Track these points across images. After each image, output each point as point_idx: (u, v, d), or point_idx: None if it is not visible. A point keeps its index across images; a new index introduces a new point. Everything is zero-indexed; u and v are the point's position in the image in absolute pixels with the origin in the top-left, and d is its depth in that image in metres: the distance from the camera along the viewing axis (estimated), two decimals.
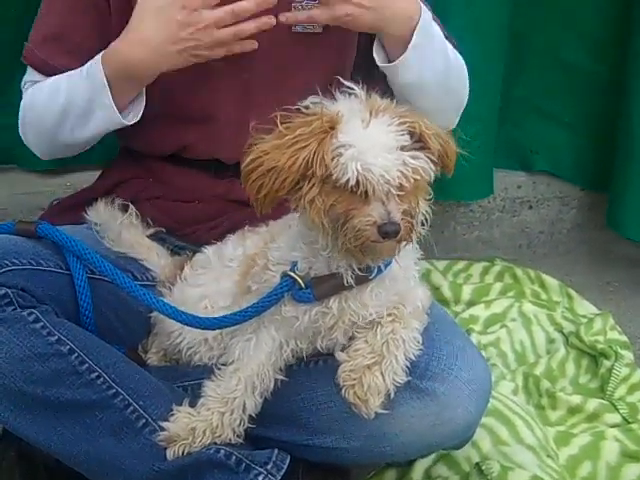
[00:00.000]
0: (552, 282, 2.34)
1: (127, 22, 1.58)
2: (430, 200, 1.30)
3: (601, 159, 2.48)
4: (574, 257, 2.59)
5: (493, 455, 1.68)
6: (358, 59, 1.74)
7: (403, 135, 1.24)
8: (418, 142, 1.25)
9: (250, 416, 1.43)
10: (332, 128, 1.24)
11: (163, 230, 1.71)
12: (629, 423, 1.85)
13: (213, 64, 1.59)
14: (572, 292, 2.32)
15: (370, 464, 1.66)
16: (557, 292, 2.32)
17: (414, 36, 1.59)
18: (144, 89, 1.61)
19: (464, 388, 1.42)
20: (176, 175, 1.73)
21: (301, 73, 1.65)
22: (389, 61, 1.63)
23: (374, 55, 1.64)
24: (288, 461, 1.46)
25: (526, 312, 2.18)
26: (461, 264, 2.43)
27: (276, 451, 1.46)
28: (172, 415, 1.43)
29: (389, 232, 1.23)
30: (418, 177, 1.24)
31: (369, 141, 1.23)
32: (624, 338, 2.13)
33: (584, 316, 2.22)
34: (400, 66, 1.61)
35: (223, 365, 1.44)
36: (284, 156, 1.24)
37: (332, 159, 1.23)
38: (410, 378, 1.38)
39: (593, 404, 1.89)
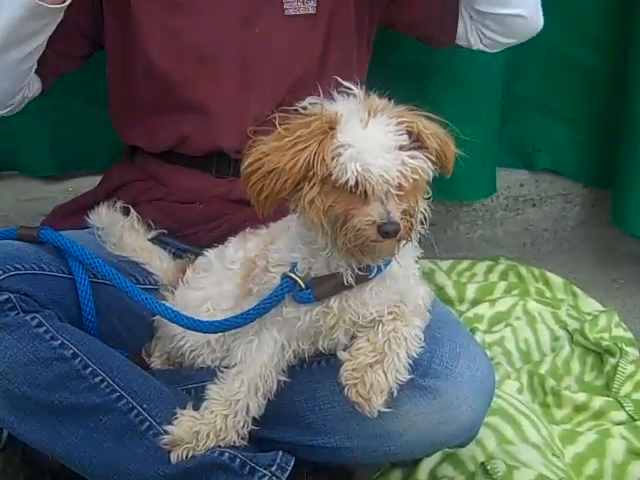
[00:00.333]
0: (556, 280, 2.33)
1: None
2: (429, 199, 1.30)
3: (604, 156, 2.47)
4: (578, 255, 2.59)
5: (498, 454, 1.68)
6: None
7: (401, 135, 1.24)
8: (416, 142, 1.26)
9: (254, 418, 1.43)
10: (331, 128, 1.24)
11: (165, 232, 1.71)
12: (635, 420, 1.84)
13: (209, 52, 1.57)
14: (577, 290, 2.32)
15: (375, 464, 1.66)
16: (562, 290, 2.32)
17: None
18: None
19: (467, 386, 1.42)
20: (177, 176, 1.74)
21: (297, 56, 1.66)
22: None
23: None
24: (293, 463, 1.46)
25: (531, 310, 2.18)
26: (465, 263, 2.42)
27: (280, 453, 1.46)
28: (176, 418, 1.43)
29: (389, 231, 1.23)
30: (417, 177, 1.24)
31: (368, 141, 1.23)
32: (629, 335, 2.12)
33: (589, 314, 2.21)
34: None
35: (226, 367, 1.45)
36: (284, 157, 1.24)
37: (332, 159, 1.23)
38: (413, 376, 1.38)
39: (599, 402, 1.88)
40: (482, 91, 2.31)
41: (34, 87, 1.73)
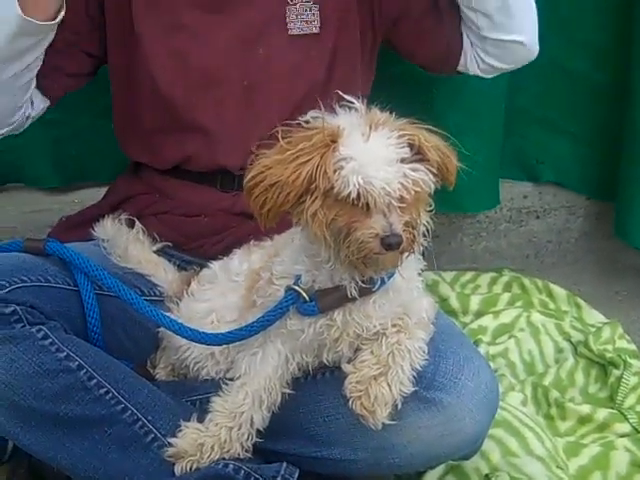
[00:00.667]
0: (560, 292, 2.33)
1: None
2: (431, 211, 1.31)
3: (607, 168, 2.47)
4: (582, 266, 2.59)
5: (503, 466, 1.67)
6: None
7: (403, 147, 1.24)
8: (418, 154, 1.26)
9: (258, 430, 1.43)
10: (333, 142, 1.25)
11: (169, 245, 1.72)
12: (639, 432, 1.84)
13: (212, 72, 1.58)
14: (580, 301, 2.32)
15: (379, 476, 1.66)
16: (565, 302, 2.32)
17: None
18: None
19: (471, 398, 1.42)
20: (182, 190, 1.75)
21: (302, 75, 1.66)
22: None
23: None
24: (297, 474, 1.46)
25: (534, 322, 2.18)
26: (469, 275, 2.42)
27: (284, 464, 1.46)
28: (180, 431, 1.44)
29: (392, 244, 1.23)
30: (419, 189, 1.25)
31: (370, 154, 1.23)
32: (633, 347, 2.12)
33: (593, 325, 2.21)
34: None
35: (230, 380, 1.45)
36: (287, 170, 1.24)
37: (334, 172, 1.24)
38: (417, 388, 1.38)
39: (602, 414, 1.88)
40: (485, 104, 2.32)
41: (38, 106, 1.74)
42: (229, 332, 1.44)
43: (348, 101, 1.29)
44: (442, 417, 1.42)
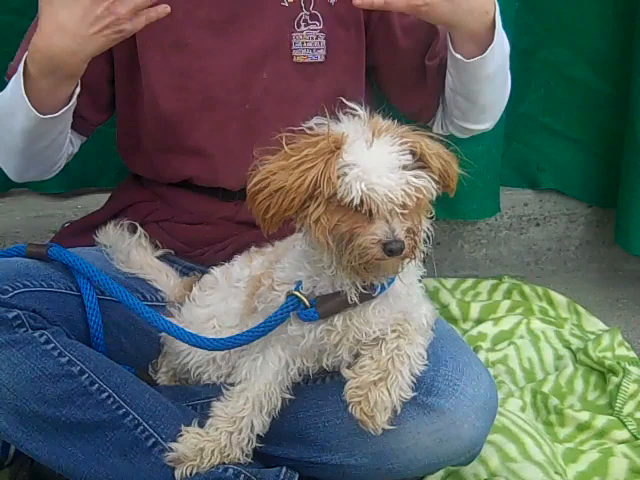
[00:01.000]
0: (560, 299, 2.34)
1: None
2: (432, 218, 1.32)
3: (608, 176, 2.49)
4: (582, 274, 2.59)
5: (501, 472, 1.68)
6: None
7: (405, 155, 1.26)
8: (419, 161, 1.27)
9: (258, 435, 1.44)
10: (337, 148, 1.26)
11: (171, 252, 1.72)
12: (637, 439, 1.84)
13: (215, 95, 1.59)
14: (580, 309, 2.32)
15: None
16: (565, 309, 2.32)
17: (497, 24, 1.56)
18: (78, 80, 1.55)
19: (470, 404, 1.42)
20: (184, 199, 1.75)
21: (304, 103, 1.63)
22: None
23: (455, 54, 1.60)
24: (296, 479, 1.47)
25: (534, 329, 2.19)
26: (469, 282, 2.43)
27: (284, 469, 1.47)
28: (181, 435, 1.44)
29: (394, 250, 1.24)
30: (421, 196, 1.26)
31: (373, 161, 1.25)
32: (632, 354, 2.13)
33: (592, 333, 2.22)
34: (486, 57, 1.59)
35: (231, 385, 1.46)
36: (292, 176, 1.26)
37: (337, 178, 1.25)
38: (416, 394, 1.39)
39: (601, 420, 1.88)
40: None
41: (77, 144, 1.76)
42: (230, 337, 1.45)
43: (351, 108, 1.30)
44: (441, 423, 1.43)
